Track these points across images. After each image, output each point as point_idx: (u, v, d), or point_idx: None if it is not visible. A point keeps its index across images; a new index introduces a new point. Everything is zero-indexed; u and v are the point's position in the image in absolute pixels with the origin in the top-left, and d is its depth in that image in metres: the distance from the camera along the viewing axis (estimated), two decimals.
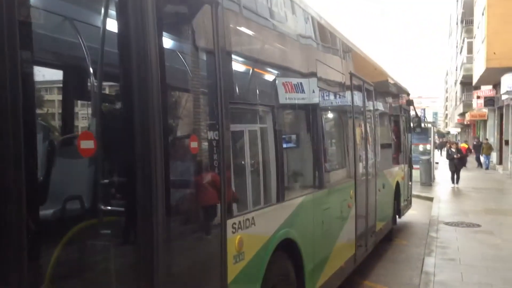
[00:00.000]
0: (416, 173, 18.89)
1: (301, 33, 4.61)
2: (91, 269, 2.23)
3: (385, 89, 8.84)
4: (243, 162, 3.56)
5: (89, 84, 2.37)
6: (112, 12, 2.33)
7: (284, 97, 4.24)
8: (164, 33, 2.57)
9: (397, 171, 9.40)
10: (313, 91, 4.78)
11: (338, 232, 5.33)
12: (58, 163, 2.22)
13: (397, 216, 9.45)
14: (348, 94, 6.07)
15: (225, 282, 2.88)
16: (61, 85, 2.48)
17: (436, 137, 32.91)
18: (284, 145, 4.10)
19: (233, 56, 3.33)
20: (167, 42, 2.70)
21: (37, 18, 2.02)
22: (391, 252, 8.24)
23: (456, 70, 52.15)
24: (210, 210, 2.95)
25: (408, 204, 10.92)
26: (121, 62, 2.38)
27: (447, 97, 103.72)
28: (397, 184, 9.24)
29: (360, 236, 6.22)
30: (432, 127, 21.98)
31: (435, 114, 58.99)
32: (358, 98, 6.52)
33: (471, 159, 27.35)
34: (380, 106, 8.23)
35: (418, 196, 15.53)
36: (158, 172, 2.34)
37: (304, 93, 4.57)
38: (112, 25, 2.33)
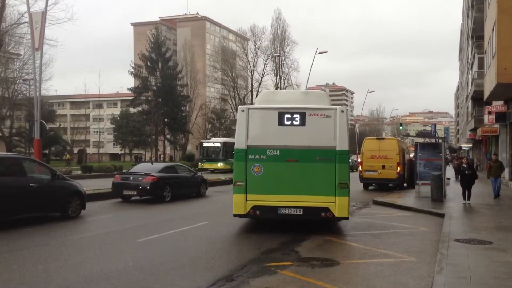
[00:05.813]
0: (427, 189, 18.84)
1: None
2: None
3: None
4: None
5: None
6: None
7: None
8: None
9: None
10: None
11: None
12: None
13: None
14: None
15: None
16: None
17: (448, 152, 32.62)
18: None
19: None
20: None
21: None
22: (399, 268, 8.12)
23: (467, 85, 51.92)
24: None
25: None
26: None
27: (458, 112, 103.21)
28: None
29: None
30: (443, 143, 21.89)
31: (447, 129, 58.59)
32: None
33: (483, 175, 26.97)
34: None
35: (430, 212, 15.39)
36: None
37: None
38: None
